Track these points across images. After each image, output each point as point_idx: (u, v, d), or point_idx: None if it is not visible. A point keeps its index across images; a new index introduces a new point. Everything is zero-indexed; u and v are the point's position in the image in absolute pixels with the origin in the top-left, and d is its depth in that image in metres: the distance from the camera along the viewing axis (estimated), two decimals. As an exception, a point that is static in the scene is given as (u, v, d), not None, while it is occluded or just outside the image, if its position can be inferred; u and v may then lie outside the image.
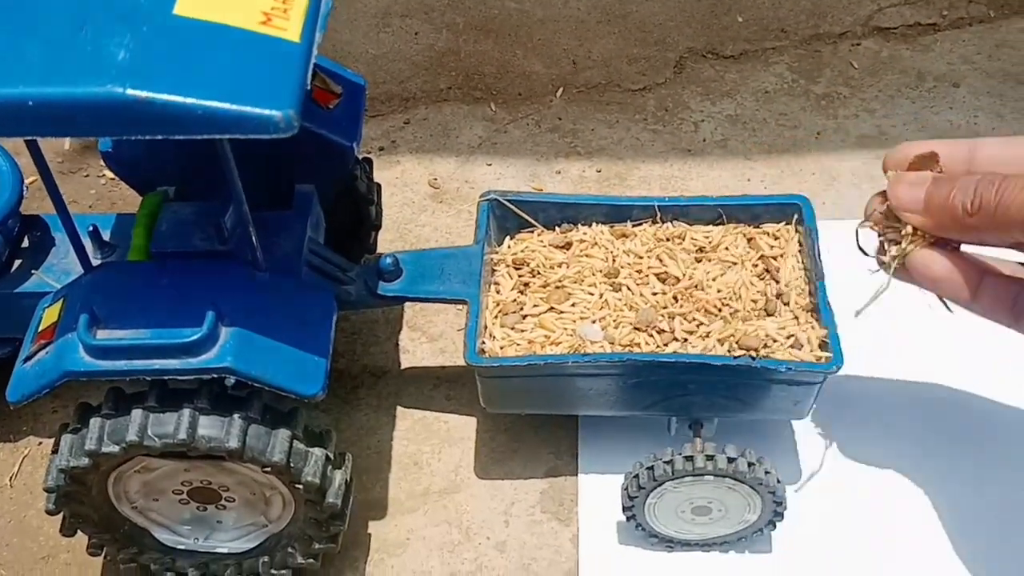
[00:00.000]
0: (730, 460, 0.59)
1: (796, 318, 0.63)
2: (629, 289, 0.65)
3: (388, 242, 0.83)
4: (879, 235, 0.53)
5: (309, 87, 0.48)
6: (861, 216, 0.72)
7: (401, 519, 0.69)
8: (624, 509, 0.63)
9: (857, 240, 0.53)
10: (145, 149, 0.65)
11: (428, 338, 0.78)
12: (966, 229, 0.49)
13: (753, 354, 0.60)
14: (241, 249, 0.59)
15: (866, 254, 0.53)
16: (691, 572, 0.64)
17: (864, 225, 0.53)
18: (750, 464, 0.59)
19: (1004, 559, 0.64)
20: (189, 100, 0.45)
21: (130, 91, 0.45)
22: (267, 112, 0.45)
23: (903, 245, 0.51)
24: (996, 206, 0.47)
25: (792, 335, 0.62)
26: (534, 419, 0.71)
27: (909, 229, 0.51)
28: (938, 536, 0.65)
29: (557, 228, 0.70)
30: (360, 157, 0.72)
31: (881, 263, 0.52)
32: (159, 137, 0.46)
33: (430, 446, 0.72)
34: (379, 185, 0.76)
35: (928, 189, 0.50)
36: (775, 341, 0.62)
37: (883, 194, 0.52)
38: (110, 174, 0.87)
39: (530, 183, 0.88)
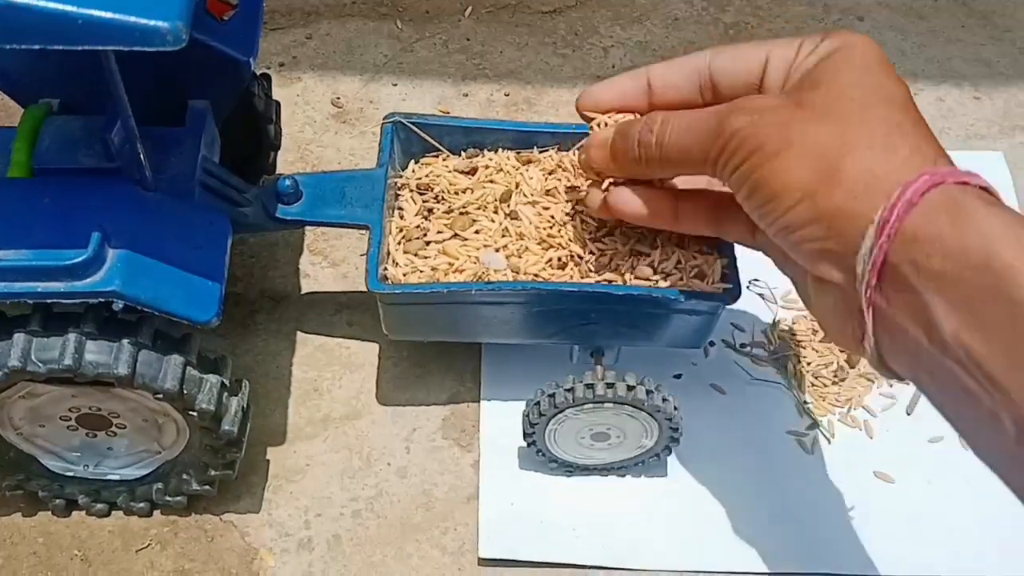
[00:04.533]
0: (629, 388, 0.59)
1: (699, 249, 0.64)
2: (528, 219, 0.65)
3: (288, 163, 0.81)
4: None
5: (200, -3, 0.46)
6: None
7: (300, 445, 0.68)
8: (525, 435, 0.63)
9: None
10: (27, 58, 0.61)
11: (330, 263, 0.76)
12: (648, 172, 0.53)
13: (651, 284, 0.61)
14: (129, 167, 0.56)
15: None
16: (589, 496, 0.66)
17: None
18: (648, 392, 0.60)
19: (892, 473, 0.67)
20: (69, 8, 0.42)
21: (3, -4, 0.42)
22: (153, 23, 0.42)
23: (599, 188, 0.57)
24: (659, 150, 0.51)
25: (696, 266, 0.62)
26: (437, 346, 0.71)
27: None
28: (829, 458, 0.67)
29: (463, 153, 0.68)
30: (257, 73, 0.69)
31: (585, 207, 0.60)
32: (37, 47, 0.43)
33: (331, 372, 0.71)
34: (278, 103, 0.73)
35: (610, 146, 0.54)
36: (677, 272, 0.62)
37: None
38: (-11, 83, 0.81)
39: (437, 105, 0.86)
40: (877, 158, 0.43)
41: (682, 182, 0.57)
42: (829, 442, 0.68)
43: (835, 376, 0.70)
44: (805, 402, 0.69)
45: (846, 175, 0.43)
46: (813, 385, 0.69)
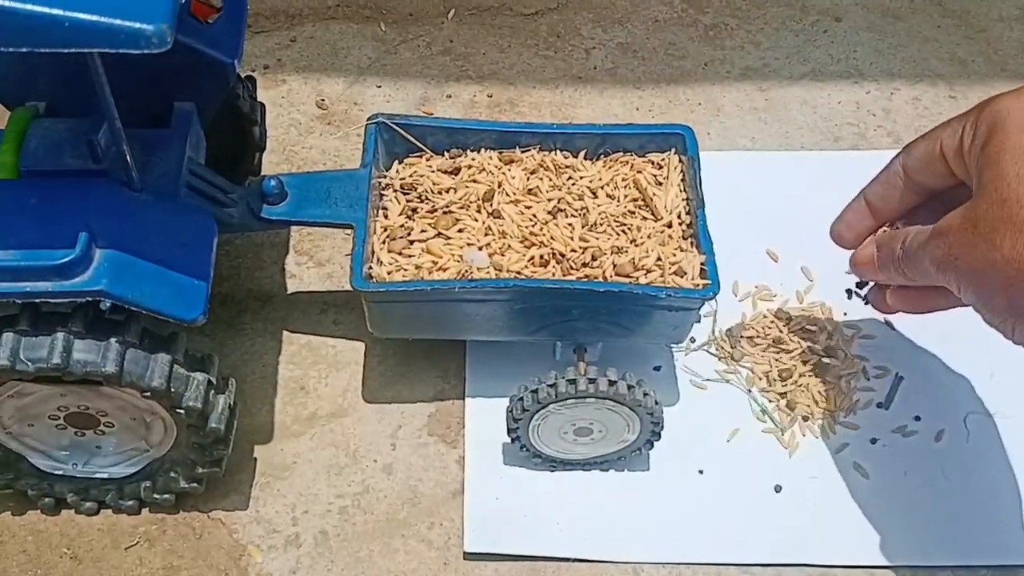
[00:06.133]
0: (611, 383, 0.60)
1: (679, 246, 0.65)
2: (511, 217, 0.66)
3: (274, 164, 0.81)
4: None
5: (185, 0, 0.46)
6: (742, 146, 0.82)
7: (287, 443, 0.69)
8: (509, 431, 0.64)
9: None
10: (13, 62, 0.61)
11: (315, 263, 0.77)
12: (911, 282, 0.58)
13: (632, 281, 0.62)
14: (116, 168, 0.57)
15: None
16: (573, 490, 0.66)
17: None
18: (630, 387, 0.61)
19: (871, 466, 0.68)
20: (55, 11, 0.42)
21: (-10, -1, 0.42)
22: (138, 25, 0.43)
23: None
24: (907, 269, 0.57)
25: (676, 263, 0.64)
26: (422, 343, 0.72)
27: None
28: (808, 451, 0.68)
29: (446, 153, 0.69)
30: (242, 75, 0.70)
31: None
32: (24, 50, 0.43)
33: (317, 371, 0.72)
34: (263, 105, 0.74)
35: (877, 261, 0.60)
36: (657, 268, 0.63)
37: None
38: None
39: (420, 106, 0.87)
40: None
41: None
42: (806, 435, 0.69)
43: (814, 370, 0.71)
44: (783, 394, 0.70)
45: (1020, 304, 0.48)
46: (793, 379, 0.70)
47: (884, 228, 0.62)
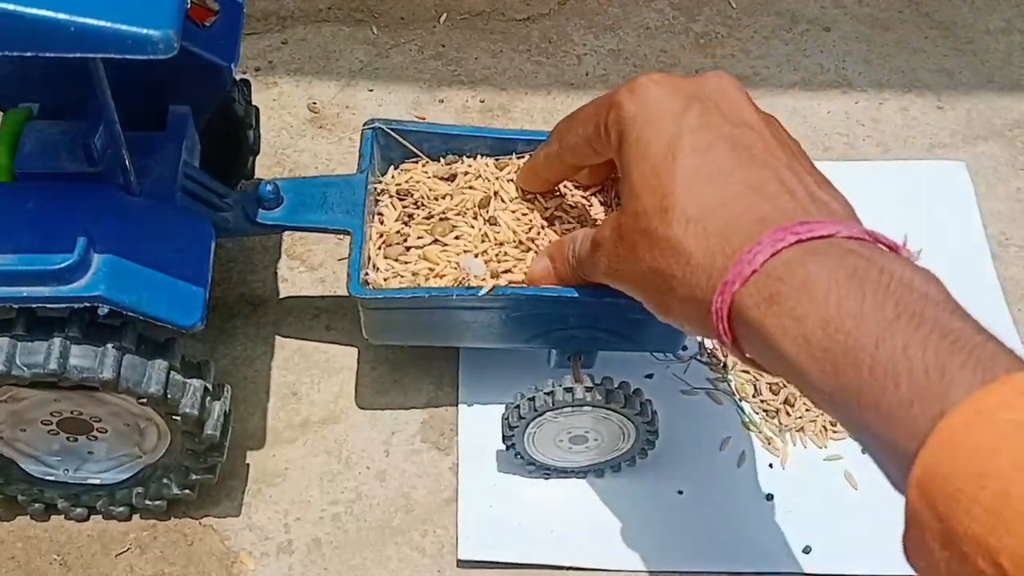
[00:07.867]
0: (608, 391, 0.61)
1: (673, 254, 0.65)
2: (507, 224, 0.66)
3: (266, 168, 0.81)
4: None
5: (188, 4, 0.46)
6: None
7: (279, 449, 0.68)
8: (504, 439, 0.64)
9: None
10: (6, 64, 0.61)
11: (308, 267, 0.77)
12: (582, 281, 0.58)
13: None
14: (112, 172, 0.56)
15: None
16: (567, 498, 0.67)
17: None
18: (626, 395, 0.61)
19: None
20: (61, 16, 0.42)
21: (-5, 3, 0.42)
22: (145, 31, 0.43)
23: None
24: (582, 272, 0.56)
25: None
26: (415, 350, 0.72)
27: None
28: (799, 460, 0.69)
29: (442, 159, 0.69)
30: (238, 79, 0.70)
31: None
32: (28, 54, 0.43)
33: (309, 376, 0.72)
34: (257, 109, 0.74)
35: (554, 273, 0.59)
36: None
37: None
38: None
39: (412, 111, 0.87)
40: (691, 287, 0.47)
41: None
42: (797, 444, 0.69)
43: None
44: (774, 403, 0.71)
45: (674, 310, 0.49)
46: (784, 389, 0.71)
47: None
